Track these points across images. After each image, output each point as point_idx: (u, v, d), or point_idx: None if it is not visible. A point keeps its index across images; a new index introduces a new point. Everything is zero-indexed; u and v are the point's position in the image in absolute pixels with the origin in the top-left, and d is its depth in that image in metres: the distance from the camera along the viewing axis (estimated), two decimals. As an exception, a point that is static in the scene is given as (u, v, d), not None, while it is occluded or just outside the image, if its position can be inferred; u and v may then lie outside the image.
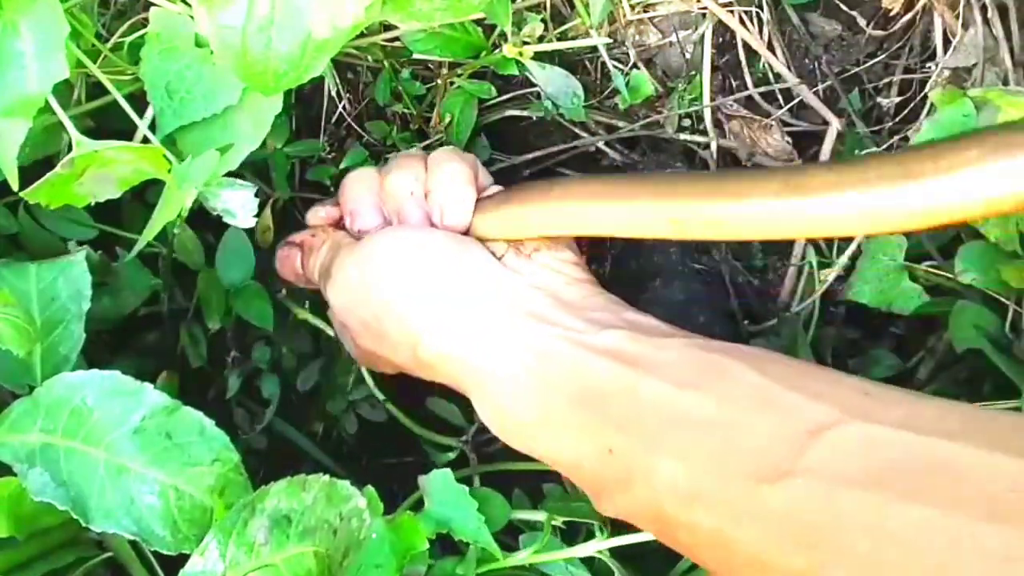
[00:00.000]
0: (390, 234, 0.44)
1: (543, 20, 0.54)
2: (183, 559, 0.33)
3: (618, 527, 0.42)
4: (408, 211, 0.44)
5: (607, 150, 0.61)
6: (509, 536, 0.45)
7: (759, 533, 0.29)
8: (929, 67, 0.57)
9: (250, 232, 0.58)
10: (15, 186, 0.37)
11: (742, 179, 0.34)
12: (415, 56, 0.52)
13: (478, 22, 0.52)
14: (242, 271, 0.53)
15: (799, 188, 0.32)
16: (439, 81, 0.57)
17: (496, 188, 0.46)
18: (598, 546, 0.42)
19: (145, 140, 0.41)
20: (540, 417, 0.37)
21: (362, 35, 0.51)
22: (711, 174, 0.47)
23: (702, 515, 0.31)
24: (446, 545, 0.44)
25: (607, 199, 0.39)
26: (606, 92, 0.60)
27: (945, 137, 0.30)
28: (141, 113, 0.41)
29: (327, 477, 0.35)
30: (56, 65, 0.36)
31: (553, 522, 0.43)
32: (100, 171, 0.38)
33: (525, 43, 0.53)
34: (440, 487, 0.42)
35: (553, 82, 0.55)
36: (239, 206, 0.40)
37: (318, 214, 0.49)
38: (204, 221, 0.51)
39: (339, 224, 0.48)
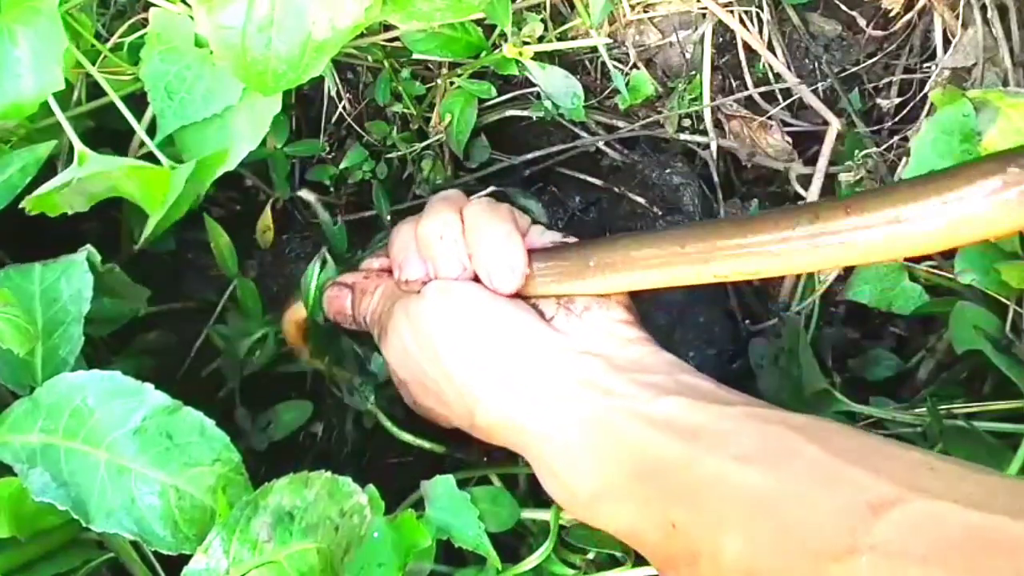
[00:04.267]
0: (438, 297, 0.42)
1: (543, 20, 0.54)
2: (184, 559, 0.33)
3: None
4: (440, 259, 0.43)
5: (607, 150, 0.61)
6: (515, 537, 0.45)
7: None
8: (929, 67, 0.57)
9: (250, 232, 0.58)
10: None
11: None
12: (415, 56, 0.52)
13: (478, 22, 0.52)
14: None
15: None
16: (439, 81, 0.57)
17: (535, 229, 0.45)
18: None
19: (143, 142, 0.41)
20: (599, 488, 0.37)
21: (362, 35, 0.51)
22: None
23: None
24: (447, 551, 0.44)
25: (651, 263, 0.40)
26: (606, 92, 0.60)
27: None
28: (142, 113, 0.41)
29: (329, 473, 0.35)
30: (51, 76, 0.36)
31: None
32: (80, 183, 0.38)
33: (525, 43, 0.53)
34: (441, 493, 0.42)
35: (553, 82, 0.55)
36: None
37: (372, 265, 0.49)
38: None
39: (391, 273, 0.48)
